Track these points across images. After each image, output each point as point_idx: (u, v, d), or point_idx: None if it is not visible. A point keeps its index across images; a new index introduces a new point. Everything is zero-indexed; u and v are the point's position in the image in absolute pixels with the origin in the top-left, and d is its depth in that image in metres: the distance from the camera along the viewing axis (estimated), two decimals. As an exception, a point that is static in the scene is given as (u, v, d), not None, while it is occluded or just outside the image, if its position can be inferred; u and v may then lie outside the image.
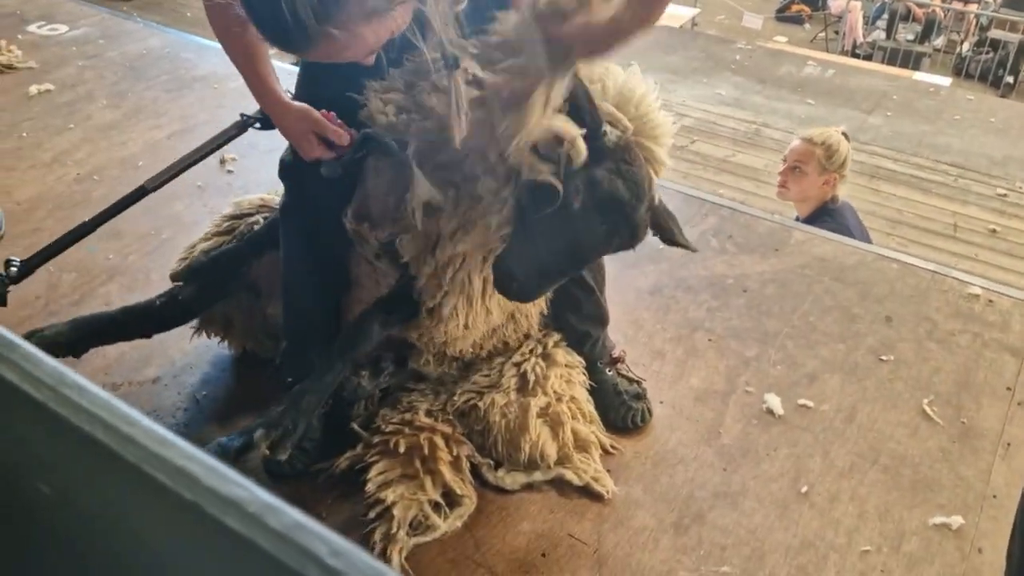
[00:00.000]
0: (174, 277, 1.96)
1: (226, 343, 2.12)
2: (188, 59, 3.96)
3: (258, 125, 1.69)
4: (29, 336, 1.75)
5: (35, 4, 4.49)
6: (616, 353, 2.05)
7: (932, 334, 2.36)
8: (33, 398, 0.38)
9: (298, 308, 1.85)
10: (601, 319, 2.01)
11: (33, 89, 3.53)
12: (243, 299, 2.00)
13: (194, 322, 2.04)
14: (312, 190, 1.67)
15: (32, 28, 4.18)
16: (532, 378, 1.82)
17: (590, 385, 1.96)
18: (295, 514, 0.31)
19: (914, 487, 1.89)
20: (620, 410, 1.98)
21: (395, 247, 1.63)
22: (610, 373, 2.02)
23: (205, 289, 1.94)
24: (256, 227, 1.97)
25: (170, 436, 0.34)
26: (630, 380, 2.04)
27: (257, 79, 1.56)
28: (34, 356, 0.39)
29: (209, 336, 2.09)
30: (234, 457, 1.77)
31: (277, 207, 2.00)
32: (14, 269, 1.61)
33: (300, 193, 1.73)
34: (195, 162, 1.63)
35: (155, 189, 1.58)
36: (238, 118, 1.70)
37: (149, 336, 1.98)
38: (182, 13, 8.85)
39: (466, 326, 1.68)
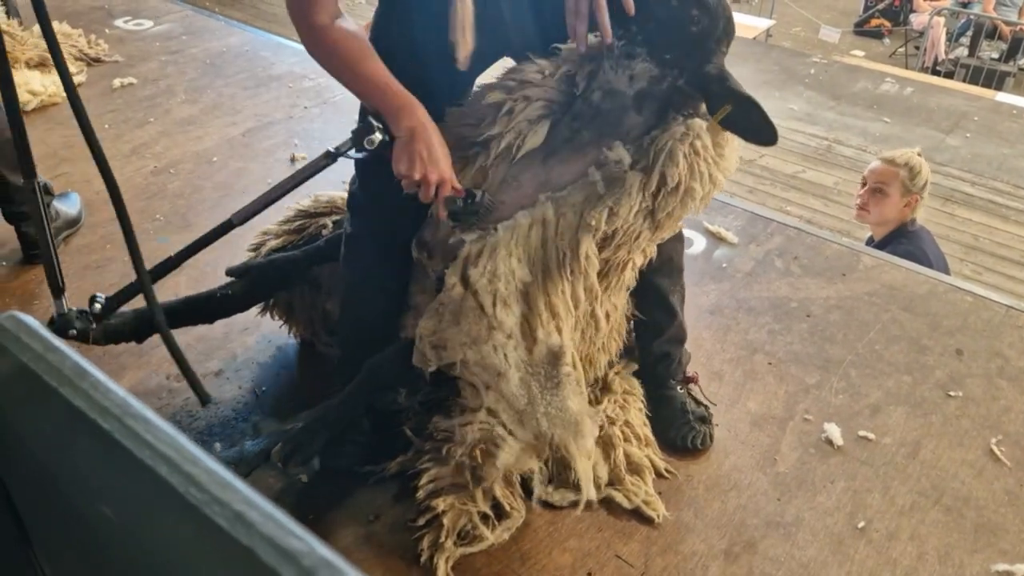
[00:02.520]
0: (229, 272, 2.00)
1: (288, 327, 2.18)
2: (266, 57, 4.05)
3: (352, 152, 1.58)
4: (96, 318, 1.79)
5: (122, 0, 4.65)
6: (690, 373, 2.07)
7: (1004, 371, 2.28)
8: (100, 426, 0.39)
9: (356, 325, 1.88)
10: (681, 340, 2.04)
11: (117, 82, 3.65)
12: (305, 291, 2.06)
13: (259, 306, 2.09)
14: (382, 218, 1.68)
15: (119, 23, 4.33)
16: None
17: (659, 396, 1.98)
18: (351, 572, 0.31)
19: (977, 530, 1.82)
20: (682, 429, 1.97)
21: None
22: (680, 391, 2.03)
23: (258, 287, 2.00)
24: (324, 231, 2.01)
25: (231, 479, 0.35)
26: (698, 402, 2.04)
27: (378, 79, 1.49)
28: (102, 385, 0.40)
29: (273, 317, 2.14)
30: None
31: (340, 211, 2.04)
32: (98, 306, 1.64)
33: (369, 223, 1.74)
34: (281, 196, 1.60)
35: (241, 223, 1.58)
36: (328, 149, 1.62)
37: (211, 322, 2.03)
38: (261, 9, 9.06)
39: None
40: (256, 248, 2.10)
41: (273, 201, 1.59)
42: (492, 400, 1.62)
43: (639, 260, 1.73)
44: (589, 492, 1.70)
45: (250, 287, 1.98)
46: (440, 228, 1.63)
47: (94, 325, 1.61)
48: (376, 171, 1.59)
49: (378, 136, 1.51)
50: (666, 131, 1.53)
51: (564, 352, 1.61)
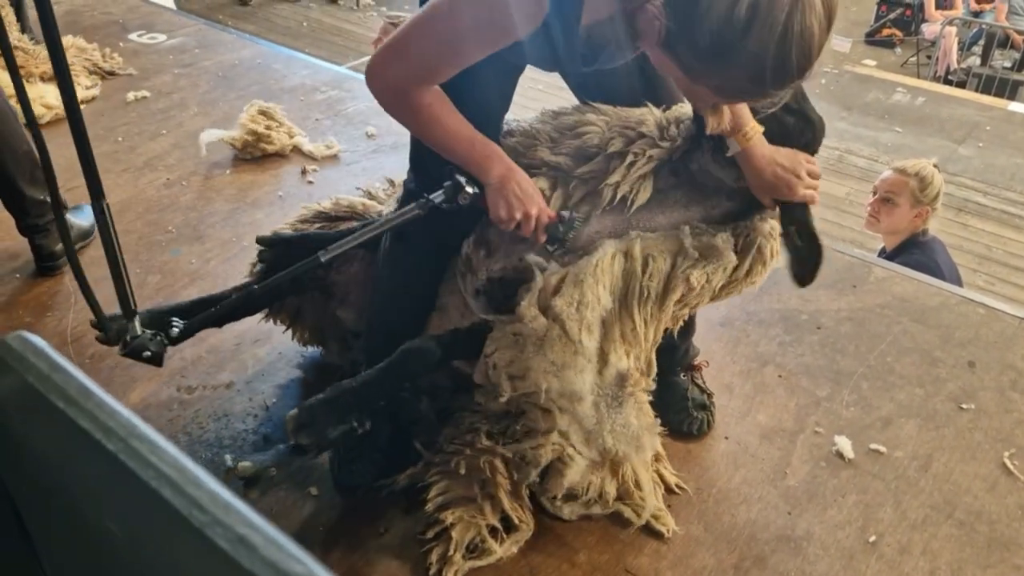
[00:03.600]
0: (260, 241, 1.98)
1: (293, 332, 2.13)
2: (277, 70, 4.08)
3: (442, 202, 1.57)
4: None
5: (137, 13, 4.70)
6: (697, 361, 2.11)
7: (1016, 384, 2.26)
8: (104, 447, 0.40)
9: (388, 330, 1.85)
10: (691, 333, 2.07)
11: (130, 95, 3.69)
12: (316, 297, 2.03)
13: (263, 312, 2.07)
14: (436, 220, 1.69)
15: (133, 37, 4.37)
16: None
17: (664, 382, 1.97)
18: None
19: (990, 545, 1.80)
20: (680, 415, 2.03)
21: (496, 287, 1.69)
22: (684, 378, 2.07)
23: (284, 259, 1.92)
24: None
25: (234, 501, 0.35)
26: (701, 390, 2.08)
27: (464, 132, 1.51)
28: (107, 405, 0.41)
29: (276, 323, 2.11)
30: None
31: (360, 216, 2.03)
32: (175, 330, 1.59)
33: (424, 222, 1.74)
34: (372, 239, 1.59)
35: (329, 261, 1.56)
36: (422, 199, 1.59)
37: (220, 326, 2.00)
38: (274, 22, 9.13)
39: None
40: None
41: (363, 242, 1.59)
42: (565, 423, 1.65)
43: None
44: (651, 503, 1.76)
45: (277, 261, 1.93)
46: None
47: (167, 348, 1.57)
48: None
49: (470, 190, 1.54)
50: (755, 228, 1.65)
51: (631, 375, 1.67)
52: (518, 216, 1.54)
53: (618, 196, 1.61)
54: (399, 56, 1.42)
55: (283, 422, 1.64)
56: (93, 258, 2.62)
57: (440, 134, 1.50)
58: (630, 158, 1.61)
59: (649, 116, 1.66)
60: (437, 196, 1.55)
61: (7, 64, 1.28)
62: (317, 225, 2.05)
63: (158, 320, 1.69)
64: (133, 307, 1.52)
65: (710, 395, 2.09)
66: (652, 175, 1.63)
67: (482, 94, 1.57)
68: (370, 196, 2.18)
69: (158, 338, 1.56)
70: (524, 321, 1.59)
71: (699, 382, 2.10)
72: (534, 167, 1.65)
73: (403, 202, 1.73)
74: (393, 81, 1.43)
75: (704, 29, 1.17)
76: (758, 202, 1.63)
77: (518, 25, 1.31)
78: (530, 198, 1.55)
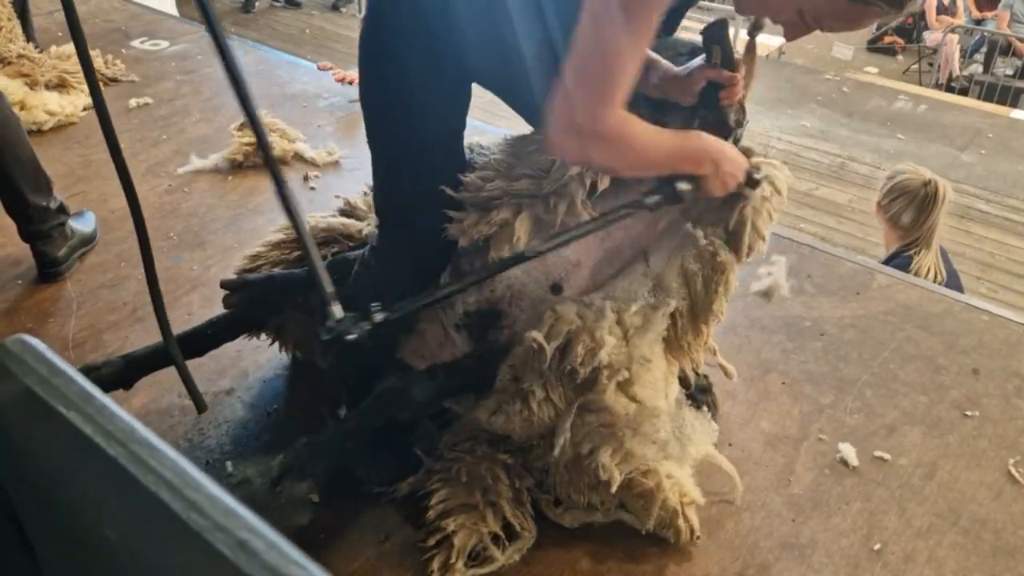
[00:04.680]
0: (224, 285, 1.98)
1: (280, 347, 2.14)
2: (280, 76, 4.08)
3: (656, 204, 1.52)
4: (87, 372, 1.79)
5: (140, 20, 4.71)
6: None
7: (1021, 391, 2.25)
8: (104, 451, 0.39)
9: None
10: None
11: (133, 102, 3.69)
12: (297, 315, 2.01)
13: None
14: (417, 234, 1.68)
15: (135, 43, 4.38)
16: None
17: None
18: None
19: (995, 553, 1.79)
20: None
21: (474, 320, 1.69)
22: None
23: (251, 303, 1.97)
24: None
25: (234, 506, 0.35)
26: (697, 374, 2.02)
27: (673, 140, 1.44)
28: (107, 409, 0.40)
29: (259, 338, 2.11)
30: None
31: (343, 239, 2.02)
32: (379, 316, 1.43)
33: (404, 238, 1.72)
34: (580, 236, 1.54)
35: (534, 256, 1.54)
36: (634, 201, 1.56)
37: (201, 355, 2.01)
38: (276, 29, 9.16)
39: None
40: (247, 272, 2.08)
41: (571, 239, 1.53)
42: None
43: None
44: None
45: (246, 302, 1.96)
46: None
47: (376, 318, 1.44)
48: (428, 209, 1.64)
49: (686, 186, 1.49)
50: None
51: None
52: (735, 186, 1.52)
53: (587, 183, 1.58)
54: (577, 91, 1.27)
55: (261, 454, 1.60)
56: (94, 264, 2.62)
57: (654, 158, 1.40)
58: None
59: None
60: (652, 199, 1.50)
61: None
62: (298, 253, 2.05)
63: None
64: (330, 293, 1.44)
65: (706, 376, 2.05)
66: None
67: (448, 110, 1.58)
68: (350, 206, 2.17)
69: (357, 320, 1.43)
70: (611, 413, 1.62)
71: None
72: (495, 199, 1.63)
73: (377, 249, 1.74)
74: (588, 115, 1.28)
75: None
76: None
77: None
78: (739, 164, 1.51)
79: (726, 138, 1.56)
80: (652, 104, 1.59)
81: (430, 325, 1.79)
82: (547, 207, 1.60)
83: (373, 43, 1.56)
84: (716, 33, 1.51)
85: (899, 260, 2.94)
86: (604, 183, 1.60)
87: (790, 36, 1.36)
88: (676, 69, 1.59)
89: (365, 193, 2.22)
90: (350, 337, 1.39)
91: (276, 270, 2.01)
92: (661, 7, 1.24)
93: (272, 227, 2.24)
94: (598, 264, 1.69)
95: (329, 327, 1.38)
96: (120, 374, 1.87)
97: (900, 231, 2.95)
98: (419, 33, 1.48)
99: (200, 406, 1.76)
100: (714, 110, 1.57)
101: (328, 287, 1.40)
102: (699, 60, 1.56)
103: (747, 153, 1.58)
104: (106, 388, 1.80)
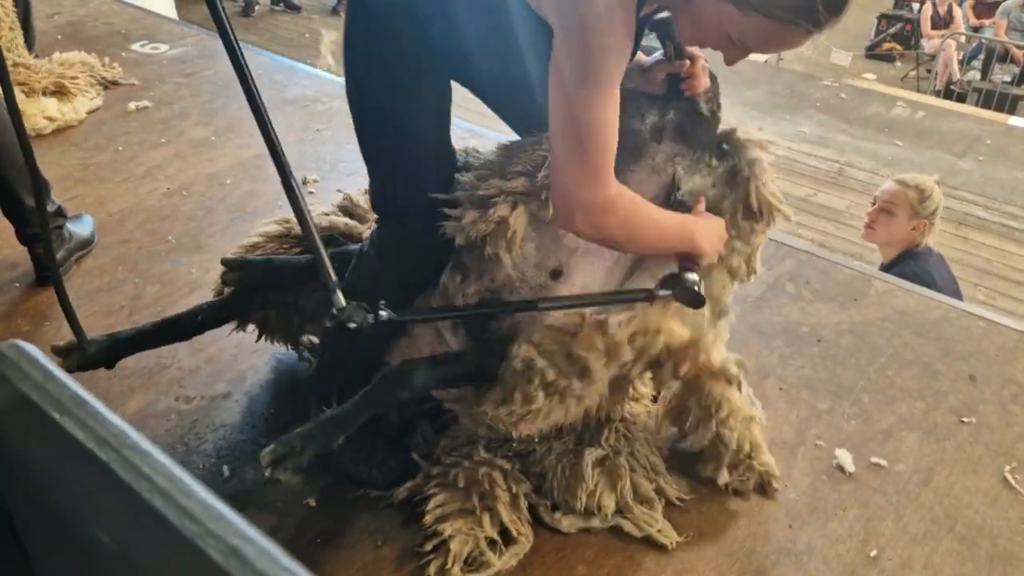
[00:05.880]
0: (225, 263, 1.97)
1: (266, 339, 2.13)
2: (279, 80, 4.09)
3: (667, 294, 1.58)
4: (68, 351, 1.80)
5: (140, 24, 4.71)
6: None
7: (1018, 397, 2.25)
8: (97, 457, 0.39)
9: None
10: None
11: (132, 105, 3.69)
12: (282, 312, 2.01)
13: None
14: (415, 231, 1.69)
15: (135, 46, 4.38)
16: (587, 434, 1.85)
17: None
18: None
19: (991, 560, 1.79)
20: None
21: (475, 322, 1.70)
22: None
23: (247, 285, 1.96)
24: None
25: (226, 512, 0.35)
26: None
27: (670, 218, 1.53)
28: (101, 415, 0.40)
29: (245, 330, 2.09)
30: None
31: (344, 239, 2.02)
32: (384, 314, 1.48)
33: (403, 235, 1.73)
34: (586, 305, 1.61)
35: (546, 309, 1.60)
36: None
37: (187, 339, 2.00)
38: (276, 33, 9.17)
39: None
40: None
41: (590, 303, 1.62)
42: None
43: None
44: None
45: (243, 283, 1.94)
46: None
47: (382, 315, 1.48)
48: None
49: (694, 276, 1.55)
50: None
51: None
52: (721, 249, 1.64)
53: None
54: (567, 168, 1.34)
55: (257, 458, 1.51)
56: (91, 268, 2.62)
57: (653, 234, 1.49)
58: None
59: None
60: (663, 291, 1.56)
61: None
62: (297, 250, 2.04)
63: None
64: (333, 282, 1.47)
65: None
66: None
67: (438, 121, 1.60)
68: (351, 202, 2.17)
69: (362, 309, 1.46)
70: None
71: None
72: (491, 196, 1.63)
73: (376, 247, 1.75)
74: (586, 191, 1.35)
75: None
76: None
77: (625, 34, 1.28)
78: (723, 237, 1.63)
79: (697, 127, 1.65)
80: (630, 94, 1.60)
81: (423, 327, 1.78)
82: (540, 203, 1.61)
83: (358, 32, 1.57)
84: (667, 28, 1.54)
85: (933, 256, 2.96)
86: None
87: (729, 60, 1.38)
88: (641, 61, 1.63)
89: (365, 191, 2.22)
90: (351, 325, 1.44)
91: (274, 256, 2.01)
92: (620, 70, 1.30)
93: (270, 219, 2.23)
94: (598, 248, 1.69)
95: (333, 314, 1.44)
96: (105, 353, 1.85)
97: (925, 220, 2.94)
98: (405, 21, 1.49)
99: (82, 341, 1.73)
100: (684, 100, 1.64)
101: (332, 276, 1.44)
102: (659, 54, 1.61)
103: (729, 133, 1.68)
104: (92, 366, 1.79)
